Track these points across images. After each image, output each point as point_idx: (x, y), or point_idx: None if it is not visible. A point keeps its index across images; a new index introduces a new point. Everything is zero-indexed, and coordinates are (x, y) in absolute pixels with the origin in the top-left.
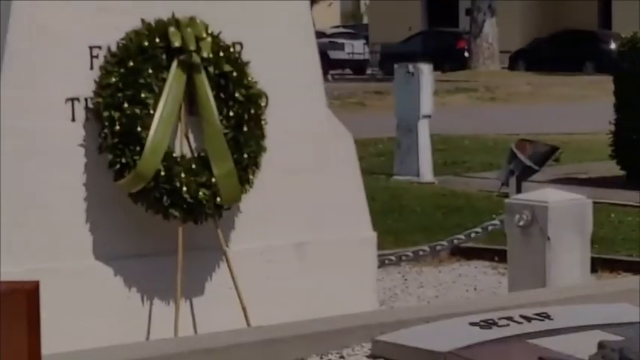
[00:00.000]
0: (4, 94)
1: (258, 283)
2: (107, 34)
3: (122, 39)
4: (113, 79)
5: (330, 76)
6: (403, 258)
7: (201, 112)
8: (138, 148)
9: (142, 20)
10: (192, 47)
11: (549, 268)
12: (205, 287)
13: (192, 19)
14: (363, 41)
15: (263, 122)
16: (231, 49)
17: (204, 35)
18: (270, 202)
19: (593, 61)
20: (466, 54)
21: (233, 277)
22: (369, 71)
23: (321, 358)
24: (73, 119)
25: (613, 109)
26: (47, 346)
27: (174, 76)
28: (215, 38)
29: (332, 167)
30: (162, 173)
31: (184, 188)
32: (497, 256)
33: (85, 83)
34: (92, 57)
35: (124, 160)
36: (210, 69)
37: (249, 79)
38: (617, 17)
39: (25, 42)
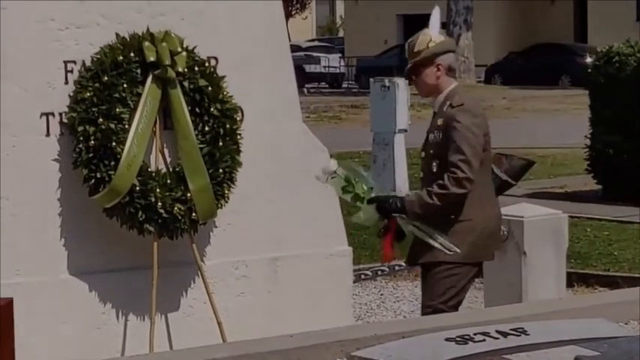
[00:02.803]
0: None
1: (233, 298)
2: (82, 48)
3: (97, 53)
4: (88, 94)
5: (305, 90)
6: (379, 273)
7: (176, 127)
8: (113, 163)
9: (117, 35)
10: (167, 62)
11: (525, 283)
12: (180, 302)
13: (167, 34)
14: (338, 55)
15: (238, 137)
16: (206, 64)
17: (179, 50)
18: (246, 217)
19: (569, 75)
20: None
21: (208, 292)
22: (344, 85)
23: None
24: (48, 134)
25: (589, 123)
26: None
27: (149, 91)
28: (190, 53)
29: (307, 182)
30: (137, 188)
31: (159, 203)
32: None
33: (59, 98)
34: (67, 72)
35: (98, 175)
36: (185, 84)
37: (225, 93)
38: (592, 31)
39: None
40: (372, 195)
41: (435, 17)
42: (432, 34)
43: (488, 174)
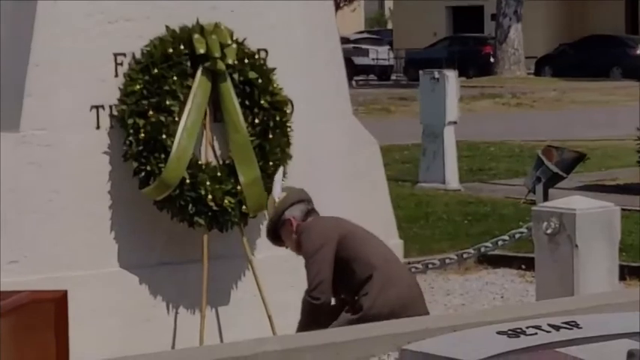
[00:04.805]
0: (29, 102)
1: (283, 291)
2: (131, 41)
3: (146, 46)
4: (138, 87)
5: (354, 82)
6: (430, 266)
7: (227, 120)
8: (163, 156)
9: (167, 27)
10: (217, 54)
11: (577, 276)
12: (231, 295)
13: (216, 26)
14: (387, 47)
15: (288, 129)
16: (256, 56)
17: (229, 42)
18: None
19: (620, 67)
20: (492, 59)
21: (258, 285)
22: (393, 77)
23: None
24: (98, 127)
25: None
26: (74, 353)
27: (199, 84)
28: (240, 45)
29: (357, 174)
30: (188, 181)
31: (209, 196)
32: (525, 263)
33: (109, 91)
34: (117, 64)
35: (148, 168)
36: (235, 76)
37: (275, 85)
38: None
39: (49, 50)
40: None
41: (277, 178)
42: (275, 196)
43: (368, 264)
